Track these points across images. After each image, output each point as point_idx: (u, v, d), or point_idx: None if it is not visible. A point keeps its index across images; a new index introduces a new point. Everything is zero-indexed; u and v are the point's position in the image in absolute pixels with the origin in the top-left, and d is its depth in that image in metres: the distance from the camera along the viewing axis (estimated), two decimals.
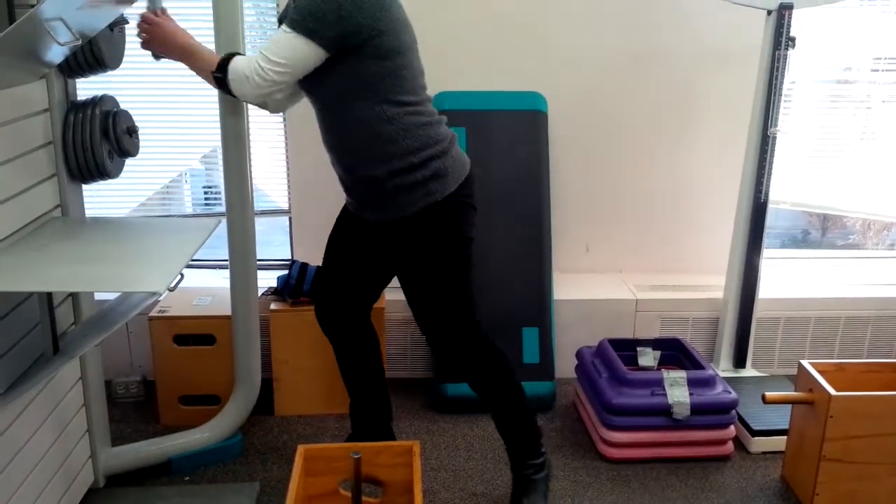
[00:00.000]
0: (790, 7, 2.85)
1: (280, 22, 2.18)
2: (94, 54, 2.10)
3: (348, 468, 2.25)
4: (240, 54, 2.17)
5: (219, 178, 3.48)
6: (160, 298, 2.89)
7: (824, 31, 3.30)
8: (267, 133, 3.29)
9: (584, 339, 3.12)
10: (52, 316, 2.02)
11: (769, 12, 2.88)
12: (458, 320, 2.31)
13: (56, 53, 1.88)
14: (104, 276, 1.74)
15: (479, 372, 2.36)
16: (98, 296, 2.41)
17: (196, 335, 2.86)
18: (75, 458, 2.30)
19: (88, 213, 2.34)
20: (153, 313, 2.84)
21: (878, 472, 2.44)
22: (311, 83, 2.15)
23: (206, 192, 3.61)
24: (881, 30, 3.35)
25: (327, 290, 2.53)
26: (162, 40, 2.19)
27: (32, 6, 1.89)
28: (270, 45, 2.04)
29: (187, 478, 2.61)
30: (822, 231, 4.70)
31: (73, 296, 2.23)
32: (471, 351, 2.34)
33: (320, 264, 2.58)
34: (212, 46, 2.32)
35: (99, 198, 3.26)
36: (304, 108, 3.19)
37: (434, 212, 2.20)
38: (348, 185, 2.33)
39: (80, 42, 1.84)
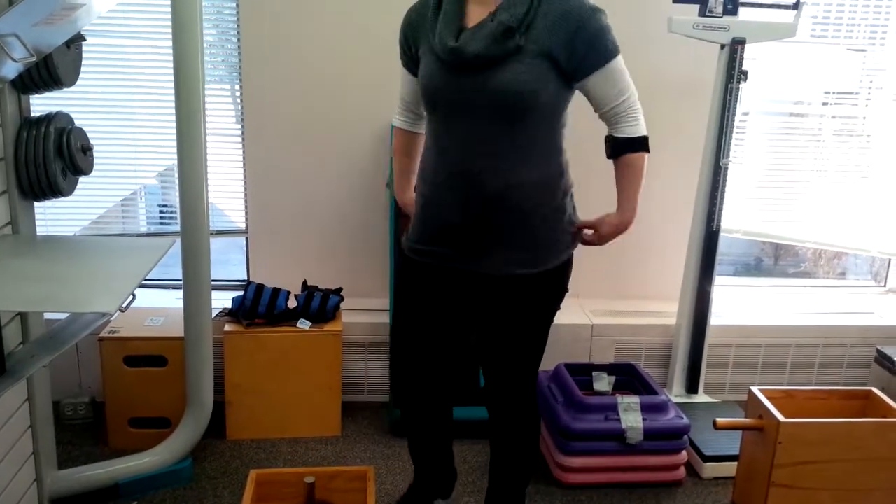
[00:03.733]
0: (742, 42, 2.92)
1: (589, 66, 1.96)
2: (50, 71, 2.07)
3: (301, 494, 2.23)
4: (635, 139, 2.05)
5: (175, 197, 3.44)
6: (111, 319, 2.84)
7: (776, 65, 3.39)
8: (224, 151, 3.26)
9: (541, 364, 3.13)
10: (0, 335, 1.97)
11: (722, 46, 2.96)
12: (535, 373, 2.25)
13: (10, 69, 1.86)
14: (54, 296, 1.71)
15: (530, 427, 2.30)
16: (47, 315, 2.36)
17: (147, 356, 2.82)
18: (20, 481, 2.24)
19: (39, 229, 2.30)
20: (104, 333, 2.79)
21: (825, 499, 2.48)
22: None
23: (161, 211, 3.57)
24: (831, 65, 3.45)
25: (423, 375, 2.29)
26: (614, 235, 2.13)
27: None
28: (626, 85, 2.02)
29: (135, 502, 2.56)
30: (774, 259, 4.80)
31: (22, 315, 2.18)
32: (533, 404, 2.28)
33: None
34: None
35: (50, 214, 3.20)
36: (265, 127, 3.20)
37: (566, 266, 2.17)
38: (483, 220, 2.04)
39: (34, 59, 1.82)
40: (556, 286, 2.15)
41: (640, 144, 2.04)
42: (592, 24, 1.92)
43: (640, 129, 2.04)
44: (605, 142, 2.06)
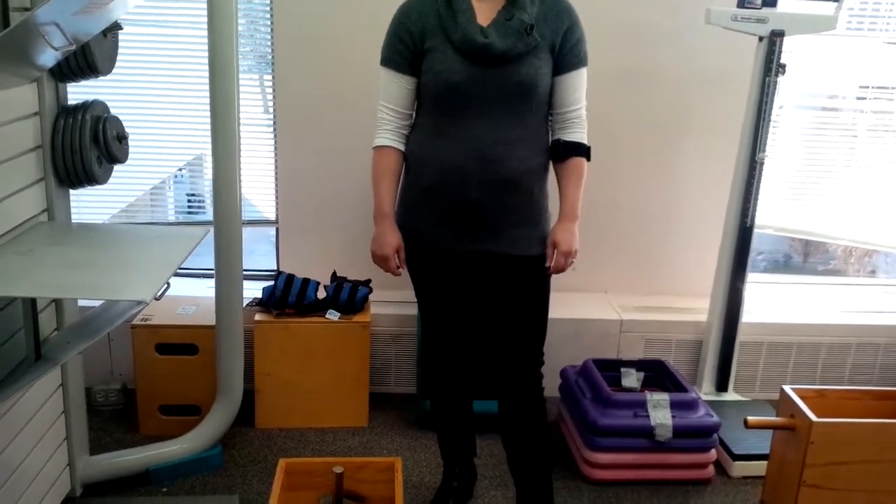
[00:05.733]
0: (781, 34, 2.88)
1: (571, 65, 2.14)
2: (87, 59, 2.08)
3: (329, 483, 2.24)
4: (582, 145, 2.19)
5: (203, 186, 3.46)
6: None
7: (811, 58, 3.34)
8: (252, 141, 3.26)
9: (568, 359, 3.11)
10: (36, 321, 1.99)
11: (760, 38, 2.91)
12: (540, 357, 2.31)
13: (49, 57, 1.87)
14: (91, 283, 1.72)
15: (539, 411, 2.32)
16: (81, 302, 2.38)
17: (179, 344, 2.84)
18: (52, 465, 2.27)
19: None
20: (136, 321, 2.81)
21: (858, 500, 2.45)
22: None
23: (189, 200, 3.59)
24: (866, 58, 3.39)
25: (451, 367, 2.41)
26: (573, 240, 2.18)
27: (27, 9, 1.88)
28: (583, 95, 2.18)
29: (165, 489, 2.58)
30: (803, 256, 4.74)
31: (57, 301, 2.20)
32: (539, 386, 2.32)
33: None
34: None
35: (80, 202, 3.22)
36: (297, 117, 3.20)
37: None
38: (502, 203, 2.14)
39: (73, 47, 1.83)
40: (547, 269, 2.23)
41: (585, 151, 2.19)
42: (580, 27, 2.13)
43: (586, 139, 2.20)
44: (553, 146, 2.19)
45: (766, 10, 2.85)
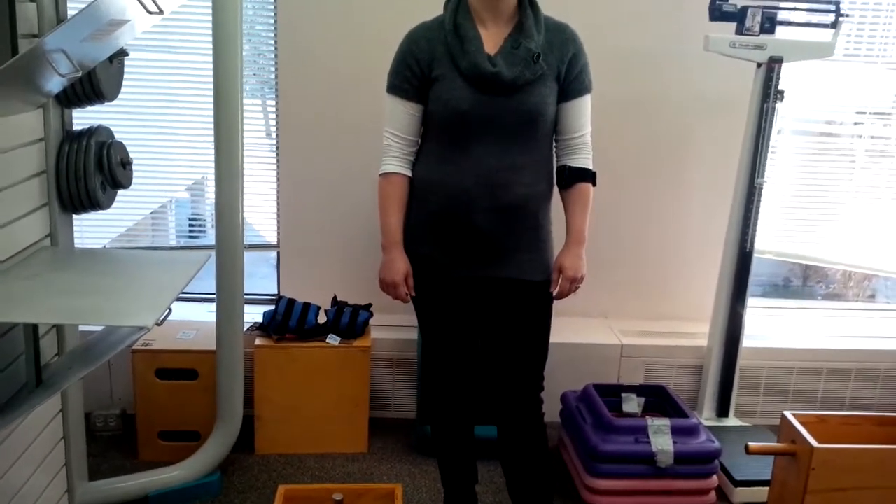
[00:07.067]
0: (780, 61, 2.90)
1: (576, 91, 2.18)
2: (93, 85, 2.10)
3: None
4: (588, 170, 2.23)
5: (204, 209, 3.46)
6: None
7: (808, 83, 3.36)
8: (254, 165, 3.27)
9: (568, 383, 3.10)
10: (37, 347, 1.99)
11: (759, 65, 2.94)
12: (541, 381, 2.33)
13: (55, 84, 1.88)
14: (93, 308, 1.72)
15: (540, 437, 2.34)
16: (82, 327, 2.38)
17: (179, 369, 2.83)
18: (51, 492, 2.25)
19: None
20: (136, 346, 2.81)
21: None
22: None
23: (191, 223, 3.59)
24: (864, 83, 3.41)
25: (453, 392, 2.39)
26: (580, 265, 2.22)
27: (35, 36, 1.90)
28: (588, 120, 2.22)
29: None
30: (802, 280, 4.74)
31: (58, 326, 2.20)
32: (540, 413, 2.33)
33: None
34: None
35: (80, 225, 3.21)
36: (299, 143, 3.22)
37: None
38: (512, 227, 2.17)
39: (80, 73, 1.84)
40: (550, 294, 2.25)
41: (592, 176, 2.22)
42: (584, 54, 2.17)
43: (591, 164, 2.22)
44: (559, 172, 2.22)
45: (764, 38, 2.88)
